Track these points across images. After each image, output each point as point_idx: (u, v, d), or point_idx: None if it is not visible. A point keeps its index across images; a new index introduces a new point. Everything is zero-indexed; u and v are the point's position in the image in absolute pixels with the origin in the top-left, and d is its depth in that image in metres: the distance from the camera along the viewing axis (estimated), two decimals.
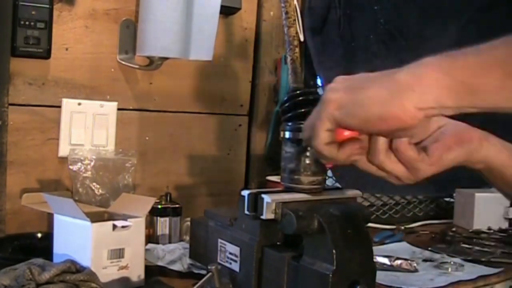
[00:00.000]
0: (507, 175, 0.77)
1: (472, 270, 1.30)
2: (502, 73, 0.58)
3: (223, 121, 1.66)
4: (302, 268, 0.81)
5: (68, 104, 1.39)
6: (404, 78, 0.61)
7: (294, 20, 0.93)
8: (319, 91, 1.80)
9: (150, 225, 1.36)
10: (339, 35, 1.73)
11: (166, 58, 1.48)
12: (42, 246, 1.22)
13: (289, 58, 0.93)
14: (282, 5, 0.93)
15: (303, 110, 0.89)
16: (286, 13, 0.93)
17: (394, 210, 1.86)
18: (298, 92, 0.91)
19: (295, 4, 1.70)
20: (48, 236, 1.21)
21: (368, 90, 0.62)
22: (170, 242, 1.37)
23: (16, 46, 1.29)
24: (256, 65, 1.71)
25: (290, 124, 0.89)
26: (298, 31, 1.72)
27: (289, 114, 0.90)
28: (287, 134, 0.89)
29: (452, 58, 0.61)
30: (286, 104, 0.91)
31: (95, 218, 1.09)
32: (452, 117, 0.71)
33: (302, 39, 1.72)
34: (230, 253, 0.94)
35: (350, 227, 0.81)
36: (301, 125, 0.88)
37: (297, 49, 0.93)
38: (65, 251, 1.09)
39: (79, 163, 1.35)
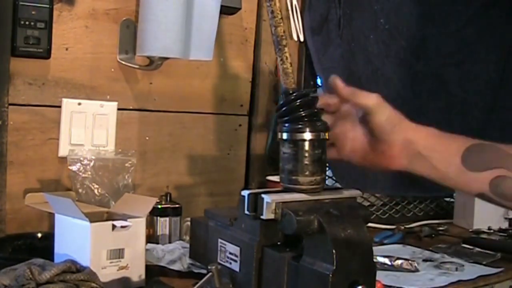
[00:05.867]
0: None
1: (472, 270, 1.30)
2: None
3: (223, 121, 1.66)
4: (302, 268, 0.81)
5: (68, 104, 1.39)
6: None
7: (281, 19, 0.93)
8: (319, 91, 1.80)
9: (150, 225, 1.36)
10: (339, 35, 1.73)
11: (166, 58, 1.48)
12: (42, 246, 1.22)
13: (278, 59, 0.92)
14: (267, 4, 0.92)
15: (301, 113, 0.89)
16: (272, 12, 0.92)
17: (394, 210, 1.86)
18: (294, 96, 0.90)
19: (295, 4, 1.70)
20: (48, 236, 1.21)
21: None
22: (170, 242, 1.37)
23: (16, 46, 1.29)
24: (256, 65, 1.71)
25: (287, 125, 0.89)
26: (298, 31, 1.72)
27: (286, 118, 0.90)
28: (284, 135, 0.89)
29: None
30: (283, 109, 0.91)
31: (95, 218, 1.09)
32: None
33: (302, 39, 1.74)
34: (230, 253, 0.94)
35: (350, 227, 0.81)
36: (298, 126, 0.88)
37: (286, 49, 0.92)
38: (65, 251, 1.09)
39: (79, 164, 1.35)
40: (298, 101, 0.89)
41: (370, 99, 0.89)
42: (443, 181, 0.89)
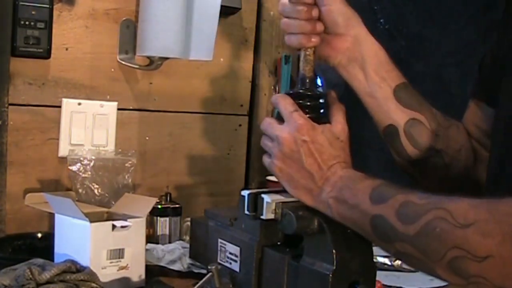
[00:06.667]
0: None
1: None
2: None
3: (223, 121, 1.66)
4: (302, 268, 0.81)
5: (68, 104, 1.39)
6: None
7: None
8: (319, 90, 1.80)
9: (150, 225, 1.36)
10: None
11: (166, 58, 1.48)
12: (42, 246, 1.22)
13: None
14: None
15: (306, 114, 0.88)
16: None
17: None
18: (305, 95, 0.88)
19: None
20: (48, 236, 1.21)
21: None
22: (170, 242, 1.37)
23: (16, 46, 1.29)
24: (256, 65, 1.71)
25: None
26: None
27: None
28: None
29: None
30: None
31: (95, 218, 1.09)
32: None
33: None
34: (230, 253, 0.94)
35: None
36: None
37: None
38: (65, 251, 1.09)
39: (79, 164, 1.35)
40: (308, 102, 0.87)
41: None
42: (366, 97, 0.89)
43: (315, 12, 0.85)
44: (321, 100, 0.88)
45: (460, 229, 0.60)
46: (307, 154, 0.80)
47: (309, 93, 0.87)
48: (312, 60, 0.89)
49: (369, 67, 0.88)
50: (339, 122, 0.83)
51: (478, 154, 0.95)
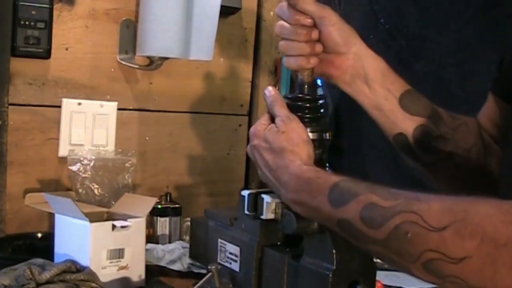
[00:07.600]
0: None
1: None
2: None
3: (223, 121, 1.66)
4: (302, 268, 0.81)
5: (68, 104, 1.39)
6: None
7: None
8: (319, 90, 1.80)
9: (150, 225, 1.36)
10: None
11: (166, 58, 1.48)
12: (42, 246, 1.22)
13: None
14: None
15: (305, 114, 0.88)
16: None
17: None
18: (305, 98, 0.89)
19: None
20: (49, 236, 1.21)
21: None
22: (170, 242, 1.37)
23: (16, 46, 1.29)
24: (256, 65, 1.71)
25: None
26: None
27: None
28: None
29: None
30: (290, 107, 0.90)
31: (95, 218, 1.09)
32: None
33: None
34: (230, 253, 0.94)
35: None
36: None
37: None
38: (65, 251, 1.09)
39: (79, 164, 1.35)
40: (307, 104, 0.87)
41: (316, 7, 0.84)
42: (373, 110, 0.89)
43: (314, 34, 0.85)
44: (320, 102, 0.88)
45: (435, 233, 0.59)
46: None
47: (308, 97, 0.88)
48: (310, 81, 0.89)
49: (373, 81, 0.88)
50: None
51: (489, 149, 0.94)
